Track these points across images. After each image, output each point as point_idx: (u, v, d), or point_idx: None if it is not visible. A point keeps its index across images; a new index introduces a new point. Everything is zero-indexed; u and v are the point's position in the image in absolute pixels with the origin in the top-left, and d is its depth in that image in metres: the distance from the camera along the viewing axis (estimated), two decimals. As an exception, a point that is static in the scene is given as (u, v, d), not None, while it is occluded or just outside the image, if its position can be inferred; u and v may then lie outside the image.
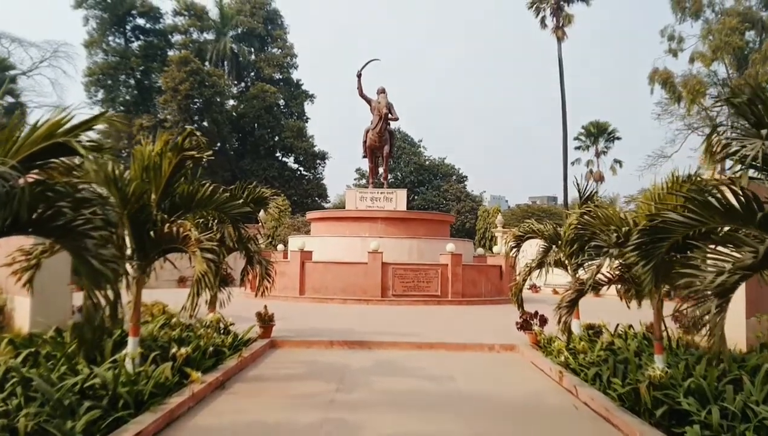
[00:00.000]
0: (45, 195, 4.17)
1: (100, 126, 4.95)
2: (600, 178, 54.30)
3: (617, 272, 8.14)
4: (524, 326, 11.80)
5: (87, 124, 4.27)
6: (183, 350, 7.77)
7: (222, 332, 10.51)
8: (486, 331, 14.02)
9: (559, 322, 8.37)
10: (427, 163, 61.81)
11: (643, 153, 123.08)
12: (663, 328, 7.74)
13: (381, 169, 28.33)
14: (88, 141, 4.33)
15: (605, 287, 8.48)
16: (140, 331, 7.73)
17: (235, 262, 16.72)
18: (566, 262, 11.10)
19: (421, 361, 10.57)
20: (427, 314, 17.92)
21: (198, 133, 7.57)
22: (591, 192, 10.29)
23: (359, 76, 26.29)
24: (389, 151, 27.25)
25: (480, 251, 29.28)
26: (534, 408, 7.73)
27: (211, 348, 8.97)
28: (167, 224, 7.24)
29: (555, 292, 27.75)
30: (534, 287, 27.59)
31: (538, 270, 11.42)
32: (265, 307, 11.84)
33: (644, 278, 5.75)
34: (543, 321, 11.68)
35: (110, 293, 4.46)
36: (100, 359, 7.44)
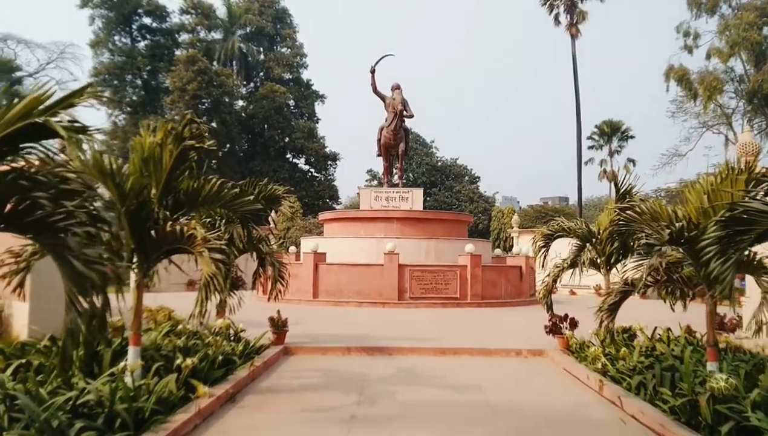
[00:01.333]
0: (19, 184, 3.49)
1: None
2: (613, 178, 53.25)
3: (664, 272, 7.41)
4: (553, 329, 11.07)
5: (67, 101, 3.56)
6: (189, 361, 7.08)
7: (232, 339, 9.86)
8: (510, 334, 13.35)
9: (600, 326, 7.67)
10: (439, 163, 61.06)
11: (654, 152, 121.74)
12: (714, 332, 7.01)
13: (396, 169, 27.60)
14: (70, 121, 3.63)
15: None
16: (142, 339, 7.08)
17: (246, 264, 16.09)
18: (600, 261, 10.41)
19: (445, 368, 9.89)
20: (447, 317, 17.30)
21: (199, 121, 6.88)
22: (629, 187, 9.55)
23: (373, 72, 25.51)
24: (404, 150, 26.41)
25: (498, 251, 28.53)
26: (574, 422, 6.99)
27: (220, 357, 8.29)
28: (170, 223, 6.57)
29: (572, 292, 26.99)
30: (551, 288, 26.79)
31: (571, 270, 10.69)
32: (278, 311, 11.16)
33: (724, 277, 4.99)
34: (573, 324, 10.95)
35: (97, 301, 3.76)
36: (97, 370, 6.79)
